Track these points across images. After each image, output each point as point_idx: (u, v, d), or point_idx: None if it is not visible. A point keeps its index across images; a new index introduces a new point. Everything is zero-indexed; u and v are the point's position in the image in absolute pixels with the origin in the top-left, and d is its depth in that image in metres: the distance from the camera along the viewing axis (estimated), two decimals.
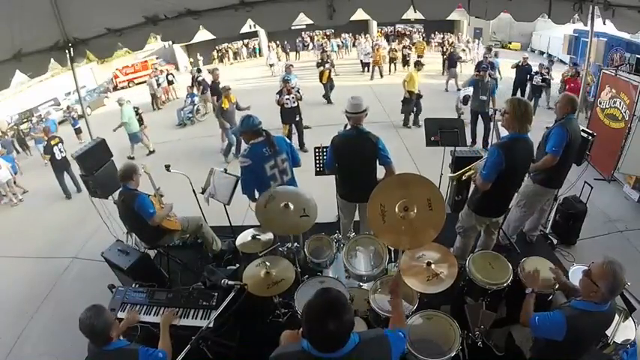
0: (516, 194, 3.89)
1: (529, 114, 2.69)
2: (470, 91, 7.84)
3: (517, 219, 3.73)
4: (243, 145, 4.03)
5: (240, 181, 3.15)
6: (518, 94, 9.17)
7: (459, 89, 11.42)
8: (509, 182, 2.87)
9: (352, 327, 1.36)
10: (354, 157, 3.14)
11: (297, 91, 7.15)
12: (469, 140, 6.82)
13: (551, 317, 1.92)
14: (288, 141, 3.31)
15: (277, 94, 7.00)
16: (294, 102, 6.96)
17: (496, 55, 10.96)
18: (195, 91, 11.12)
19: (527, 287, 2.27)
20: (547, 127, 3.40)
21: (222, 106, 6.91)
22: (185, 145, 8.83)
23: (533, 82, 8.48)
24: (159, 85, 13.84)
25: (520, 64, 9.19)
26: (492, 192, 2.92)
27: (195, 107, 10.75)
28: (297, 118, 7.10)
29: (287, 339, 1.87)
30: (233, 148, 7.27)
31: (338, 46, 20.45)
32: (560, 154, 3.16)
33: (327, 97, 10.87)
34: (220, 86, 7.49)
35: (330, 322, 1.29)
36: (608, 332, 2.15)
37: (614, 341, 2.18)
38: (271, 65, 17.38)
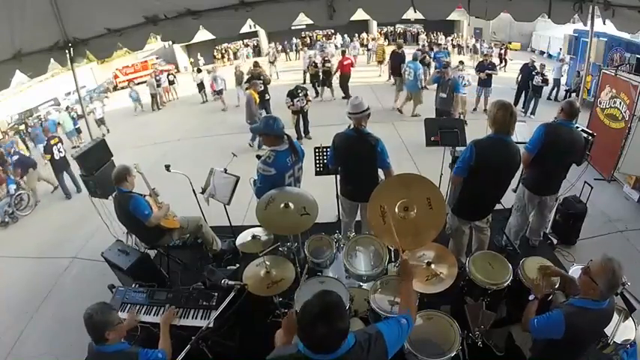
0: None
1: (500, 117, 2.68)
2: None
3: (515, 224, 3.73)
4: None
5: (256, 188, 3.01)
6: (522, 94, 9.10)
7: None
8: (483, 183, 2.84)
9: (345, 334, 1.36)
10: (353, 158, 3.15)
11: (306, 94, 7.86)
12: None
13: (549, 317, 1.93)
14: (302, 147, 3.25)
15: (288, 96, 7.64)
16: (303, 102, 7.64)
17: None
18: (14, 175, 7.07)
19: (531, 293, 2.28)
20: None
21: (255, 102, 7.34)
22: None
23: (534, 82, 8.47)
24: (159, 85, 13.81)
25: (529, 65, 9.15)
26: (468, 193, 2.95)
27: (15, 197, 6.51)
28: (305, 109, 7.78)
29: (279, 338, 1.87)
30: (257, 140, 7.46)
31: (335, 46, 20.41)
32: (533, 153, 3.14)
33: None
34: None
35: (321, 326, 1.29)
36: (608, 332, 2.15)
37: (614, 341, 2.17)
38: (218, 93, 11.94)
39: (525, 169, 3.45)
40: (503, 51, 15.15)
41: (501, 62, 14.71)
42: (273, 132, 2.94)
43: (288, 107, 7.60)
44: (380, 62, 14.53)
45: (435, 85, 7.16)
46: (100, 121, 11.14)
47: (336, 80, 11.04)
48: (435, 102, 7.18)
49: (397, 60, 9.66)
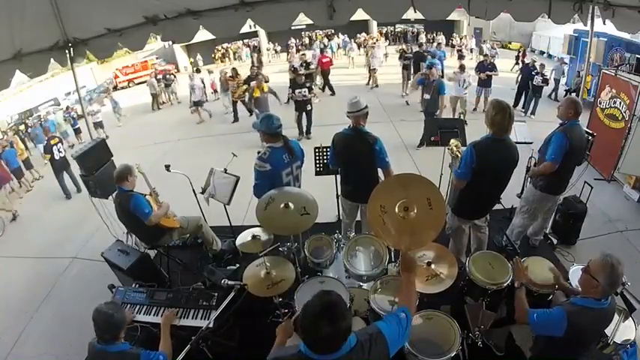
0: (519, 200, 3.91)
1: (499, 120, 2.68)
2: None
3: (520, 225, 3.72)
4: None
5: (253, 186, 3.02)
6: (522, 95, 9.08)
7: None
8: (484, 183, 2.85)
9: (348, 333, 1.36)
10: (352, 157, 3.16)
11: (310, 87, 8.06)
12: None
13: (550, 313, 1.93)
14: (301, 147, 3.26)
15: (290, 87, 7.99)
16: (306, 93, 7.80)
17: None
18: None
19: (516, 282, 2.28)
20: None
21: (254, 94, 7.59)
22: None
23: (534, 83, 8.48)
24: (169, 84, 13.69)
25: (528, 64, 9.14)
26: (468, 193, 2.95)
27: None
28: (309, 108, 7.87)
29: (281, 333, 1.87)
30: None
31: (338, 46, 20.27)
32: (559, 162, 3.12)
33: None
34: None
35: (325, 326, 1.29)
36: (608, 332, 2.14)
37: (614, 341, 2.17)
38: (196, 104, 10.36)
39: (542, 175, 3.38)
40: (521, 53, 14.84)
41: (518, 64, 14.48)
42: (268, 130, 2.99)
43: (290, 97, 7.76)
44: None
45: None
46: (98, 125, 10.18)
47: (320, 81, 11.08)
48: (421, 103, 7.13)
49: (418, 58, 10.19)
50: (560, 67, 10.25)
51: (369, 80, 12.41)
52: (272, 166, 2.94)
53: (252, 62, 15.14)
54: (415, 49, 11.28)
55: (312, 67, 10.65)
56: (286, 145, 3.03)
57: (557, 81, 10.22)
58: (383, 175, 3.16)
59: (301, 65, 10.65)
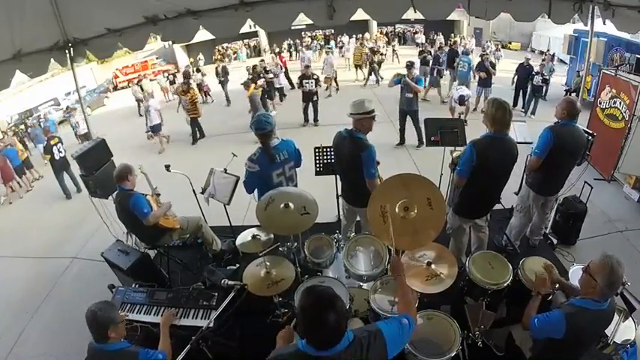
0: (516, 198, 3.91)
1: (500, 116, 2.70)
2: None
3: (517, 224, 3.73)
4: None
5: (243, 183, 3.11)
6: (520, 95, 9.10)
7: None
8: (484, 182, 2.86)
9: (348, 316, 1.38)
10: (343, 160, 3.15)
11: (317, 79, 8.74)
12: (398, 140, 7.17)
13: (550, 316, 1.94)
14: (296, 146, 3.24)
15: (298, 78, 8.77)
16: (312, 85, 8.50)
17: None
18: None
19: (533, 290, 2.28)
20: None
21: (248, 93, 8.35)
22: None
23: (534, 83, 8.48)
24: (172, 82, 13.66)
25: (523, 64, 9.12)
26: (469, 192, 2.96)
27: None
28: (315, 98, 8.67)
29: (280, 340, 1.88)
30: None
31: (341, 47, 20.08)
32: (542, 157, 3.13)
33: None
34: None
35: (330, 314, 1.31)
36: (608, 332, 2.15)
37: (614, 341, 2.17)
38: (153, 129, 8.31)
39: (531, 172, 3.41)
40: (548, 55, 14.56)
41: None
42: (254, 130, 3.02)
43: (298, 88, 8.63)
44: (358, 67, 13.36)
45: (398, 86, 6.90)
46: (85, 137, 8.75)
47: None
48: (400, 103, 6.94)
49: (451, 54, 10.90)
50: (548, 65, 10.12)
51: (327, 87, 11.50)
52: (261, 167, 2.97)
53: (217, 71, 12.49)
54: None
55: (270, 76, 10.25)
56: (266, 150, 3.00)
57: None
58: (368, 185, 2.94)
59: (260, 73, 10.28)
